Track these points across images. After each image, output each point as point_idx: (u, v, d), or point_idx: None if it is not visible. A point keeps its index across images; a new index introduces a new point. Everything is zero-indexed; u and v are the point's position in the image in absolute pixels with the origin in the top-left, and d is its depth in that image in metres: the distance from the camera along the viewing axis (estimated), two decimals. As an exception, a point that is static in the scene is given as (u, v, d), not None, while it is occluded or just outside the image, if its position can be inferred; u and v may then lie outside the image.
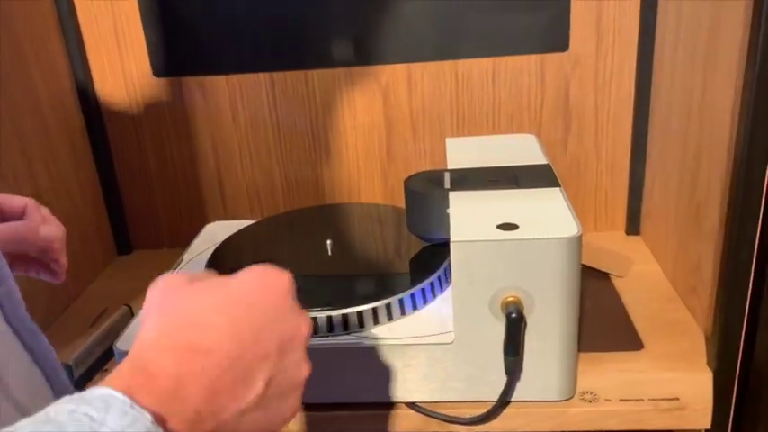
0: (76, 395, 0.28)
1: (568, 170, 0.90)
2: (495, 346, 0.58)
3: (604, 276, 0.81)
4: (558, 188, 0.64)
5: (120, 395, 0.28)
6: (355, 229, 0.79)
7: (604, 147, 0.89)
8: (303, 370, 0.35)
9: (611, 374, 0.64)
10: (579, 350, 0.67)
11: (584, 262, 0.84)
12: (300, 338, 0.35)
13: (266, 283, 0.35)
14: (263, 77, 0.89)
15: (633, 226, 0.91)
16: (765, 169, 0.54)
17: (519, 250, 0.55)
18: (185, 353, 0.31)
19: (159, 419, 0.28)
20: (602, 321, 0.72)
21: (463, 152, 0.75)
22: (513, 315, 0.55)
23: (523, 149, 0.74)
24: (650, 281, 0.80)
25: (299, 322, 0.35)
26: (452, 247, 0.55)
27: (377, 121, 0.90)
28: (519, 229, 0.56)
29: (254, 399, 0.32)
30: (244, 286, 0.35)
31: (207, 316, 0.33)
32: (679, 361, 0.65)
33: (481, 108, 0.88)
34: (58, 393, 0.45)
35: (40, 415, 0.27)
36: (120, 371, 0.31)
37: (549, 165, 0.69)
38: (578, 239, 0.55)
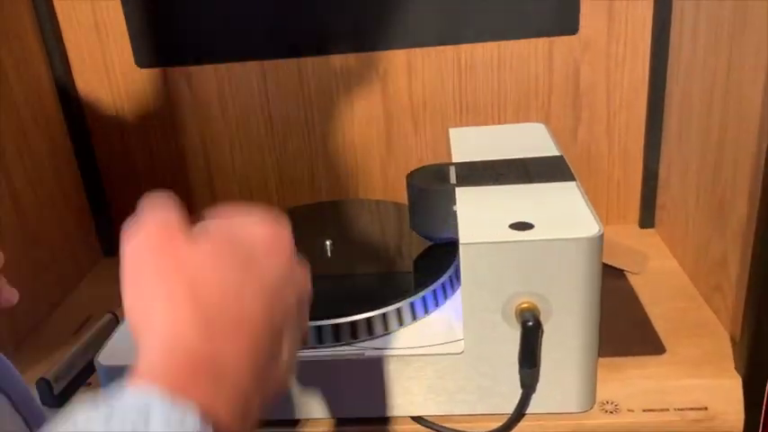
0: (103, 408, 0.24)
1: (578, 160, 0.85)
2: (508, 357, 0.53)
3: (619, 274, 0.76)
4: (573, 182, 0.59)
5: (158, 396, 0.24)
6: (354, 228, 0.74)
7: (617, 135, 0.84)
8: (306, 324, 0.35)
9: (632, 382, 0.59)
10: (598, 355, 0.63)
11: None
12: (308, 290, 0.35)
13: (277, 237, 0.33)
14: (253, 66, 0.83)
15: (647, 218, 0.87)
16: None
17: (535, 252, 0.50)
18: (231, 331, 0.28)
19: (209, 410, 0.25)
20: (619, 323, 0.67)
21: (468, 143, 0.70)
22: (530, 323, 0.50)
23: (533, 140, 0.69)
24: (668, 278, 0.75)
25: (304, 272, 0.35)
26: (461, 249, 0.50)
27: (375, 111, 0.84)
28: (534, 229, 0.51)
29: (282, 359, 0.31)
30: (258, 246, 0.32)
31: (237, 286, 0.30)
32: (705, 366, 0.61)
33: (486, 96, 0.83)
34: (31, 421, 0.41)
35: None
36: (152, 365, 0.27)
37: (561, 156, 0.64)
38: (599, 239, 0.50)
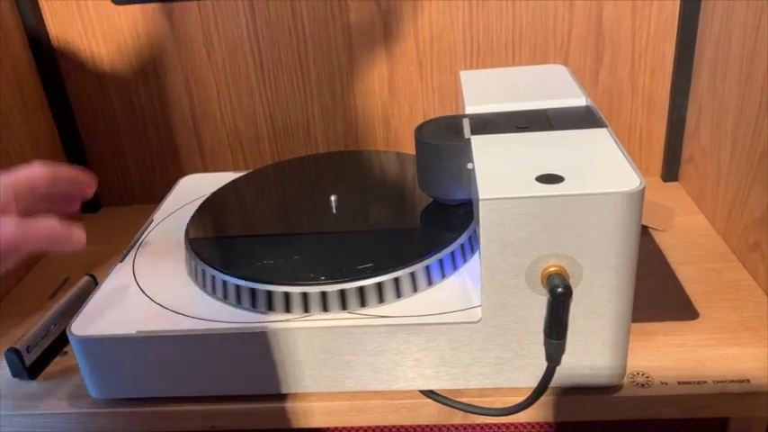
0: None
1: (600, 105, 0.78)
2: (532, 325, 0.47)
3: (644, 231, 0.70)
4: (605, 128, 0.52)
5: None
6: (359, 183, 0.67)
7: (641, 79, 0.76)
8: None
9: (664, 350, 0.54)
10: (625, 322, 0.57)
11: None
12: None
13: None
14: (241, 4, 0.75)
15: (671, 171, 0.80)
16: None
17: (566, 209, 0.43)
18: None
19: None
20: (646, 285, 0.62)
21: (482, 89, 0.62)
22: (560, 290, 0.44)
23: (556, 85, 0.62)
24: (697, 235, 0.69)
25: None
26: (481, 206, 0.44)
27: (377, 53, 0.77)
28: (564, 182, 0.44)
29: None
30: None
31: None
32: (743, 333, 0.55)
33: (500, 36, 0.75)
34: None
35: None
36: None
37: (590, 105, 0.57)
38: (641, 194, 0.43)
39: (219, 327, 0.50)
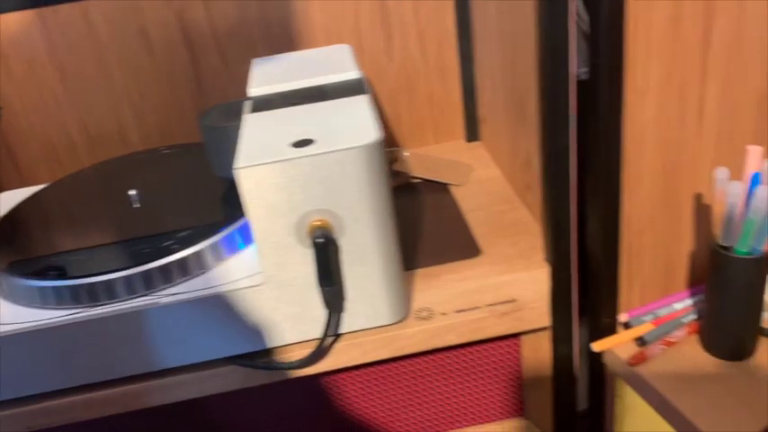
0: None
1: (398, 80, 0.84)
2: (311, 279, 0.52)
3: (443, 188, 0.77)
4: (364, 95, 0.57)
5: None
6: (159, 178, 0.69)
7: (431, 50, 0.83)
8: None
9: (447, 287, 0.60)
10: (416, 267, 0.63)
11: (421, 175, 0.79)
12: None
13: None
14: (30, 17, 0.75)
15: (472, 132, 0.87)
16: (568, 53, 0.50)
17: (316, 167, 0.48)
18: None
19: None
20: (440, 234, 0.68)
21: (268, 73, 0.66)
22: (320, 240, 0.49)
23: (335, 63, 0.67)
24: (490, 185, 0.77)
25: None
26: (238, 175, 0.47)
27: (175, 46, 0.79)
28: (313, 144, 0.49)
29: None
30: None
31: None
32: (517, 261, 0.62)
33: (293, 24, 0.79)
34: None
35: None
36: None
37: (360, 78, 0.62)
38: (377, 146, 0.48)
39: (13, 328, 0.51)
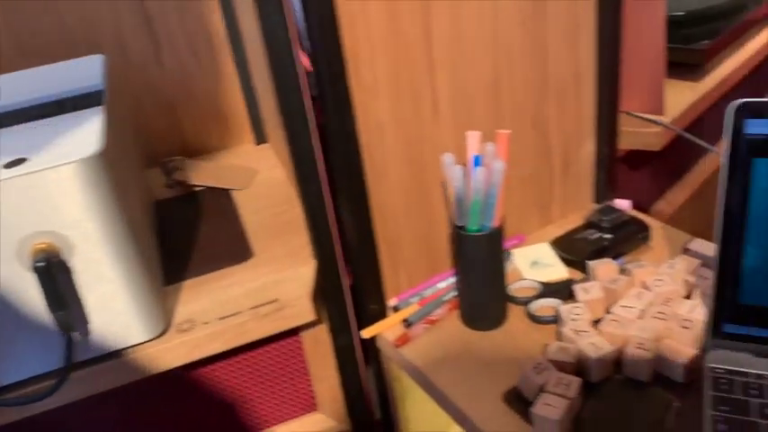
0: None
1: (174, 88, 0.82)
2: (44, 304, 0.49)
3: (226, 194, 0.76)
4: (99, 107, 0.55)
5: None
6: None
7: (204, 56, 0.82)
8: None
9: (212, 295, 0.59)
10: (186, 278, 0.62)
11: (203, 183, 0.78)
12: None
13: None
14: None
15: (260, 135, 0.87)
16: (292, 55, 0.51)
17: (29, 187, 0.45)
18: None
19: None
20: (214, 242, 0.67)
21: (12, 90, 0.62)
22: (40, 264, 0.46)
23: (80, 75, 0.64)
24: (273, 187, 0.77)
25: None
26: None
27: None
28: (26, 163, 0.46)
29: None
30: None
31: None
32: (285, 260, 0.63)
33: (48, 36, 0.75)
34: None
35: None
36: None
37: (102, 89, 0.60)
38: (97, 159, 0.47)
39: None
